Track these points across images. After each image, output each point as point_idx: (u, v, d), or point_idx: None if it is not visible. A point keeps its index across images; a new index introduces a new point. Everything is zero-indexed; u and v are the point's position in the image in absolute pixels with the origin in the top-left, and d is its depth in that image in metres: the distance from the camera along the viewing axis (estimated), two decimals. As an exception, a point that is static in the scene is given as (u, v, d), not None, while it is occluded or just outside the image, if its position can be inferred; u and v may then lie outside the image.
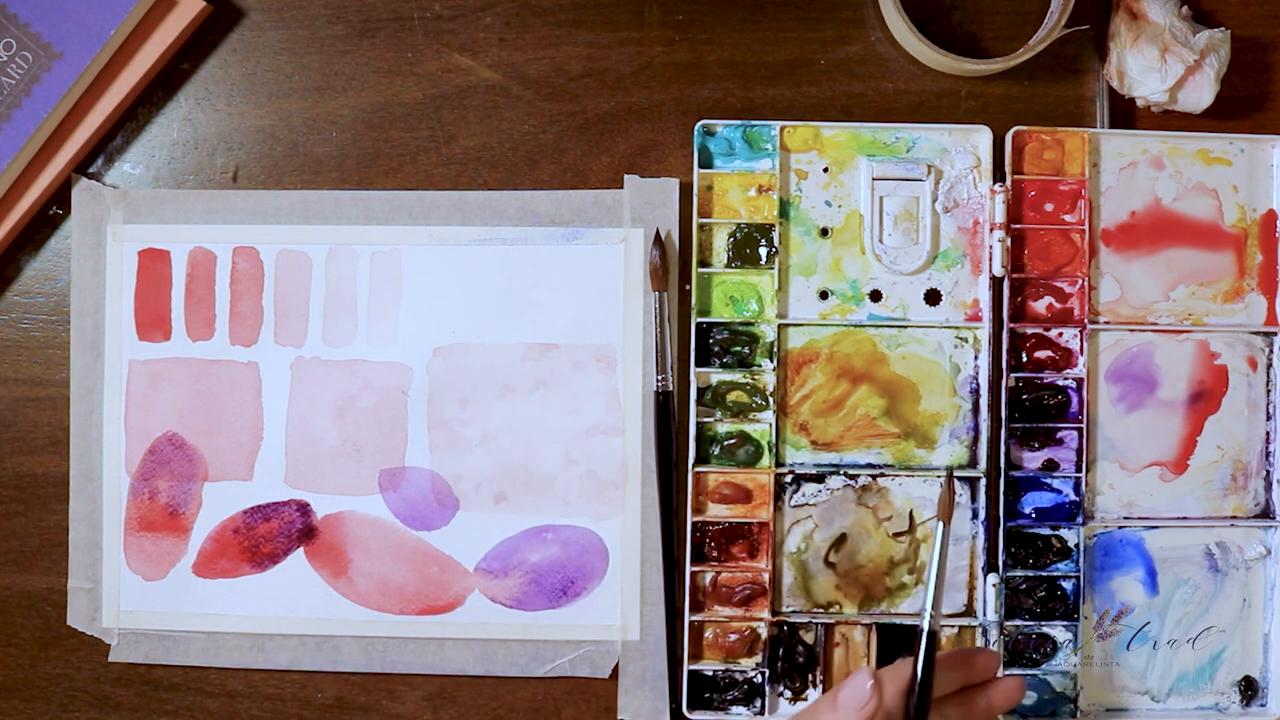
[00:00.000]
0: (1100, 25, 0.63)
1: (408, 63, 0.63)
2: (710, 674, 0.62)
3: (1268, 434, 0.63)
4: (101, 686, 0.63)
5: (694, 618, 0.62)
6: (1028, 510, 0.62)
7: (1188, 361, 0.63)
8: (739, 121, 0.62)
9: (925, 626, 0.53)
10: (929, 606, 0.53)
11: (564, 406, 0.62)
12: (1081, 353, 0.62)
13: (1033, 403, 0.62)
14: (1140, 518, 0.63)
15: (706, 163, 0.62)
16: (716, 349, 0.62)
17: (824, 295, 0.63)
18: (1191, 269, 0.63)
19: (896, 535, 0.62)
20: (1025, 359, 0.62)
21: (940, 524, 0.54)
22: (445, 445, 0.62)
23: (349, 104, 0.63)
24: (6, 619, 0.64)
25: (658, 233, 0.62)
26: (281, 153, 0.63)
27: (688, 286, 0.62)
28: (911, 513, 0.62)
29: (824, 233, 0.63)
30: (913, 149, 0.63)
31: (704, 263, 0.62)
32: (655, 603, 0.62)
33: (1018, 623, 0.62)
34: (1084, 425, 0.62)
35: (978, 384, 0.63)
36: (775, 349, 0.62)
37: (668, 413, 0.61)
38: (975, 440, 0.63)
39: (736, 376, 0.62)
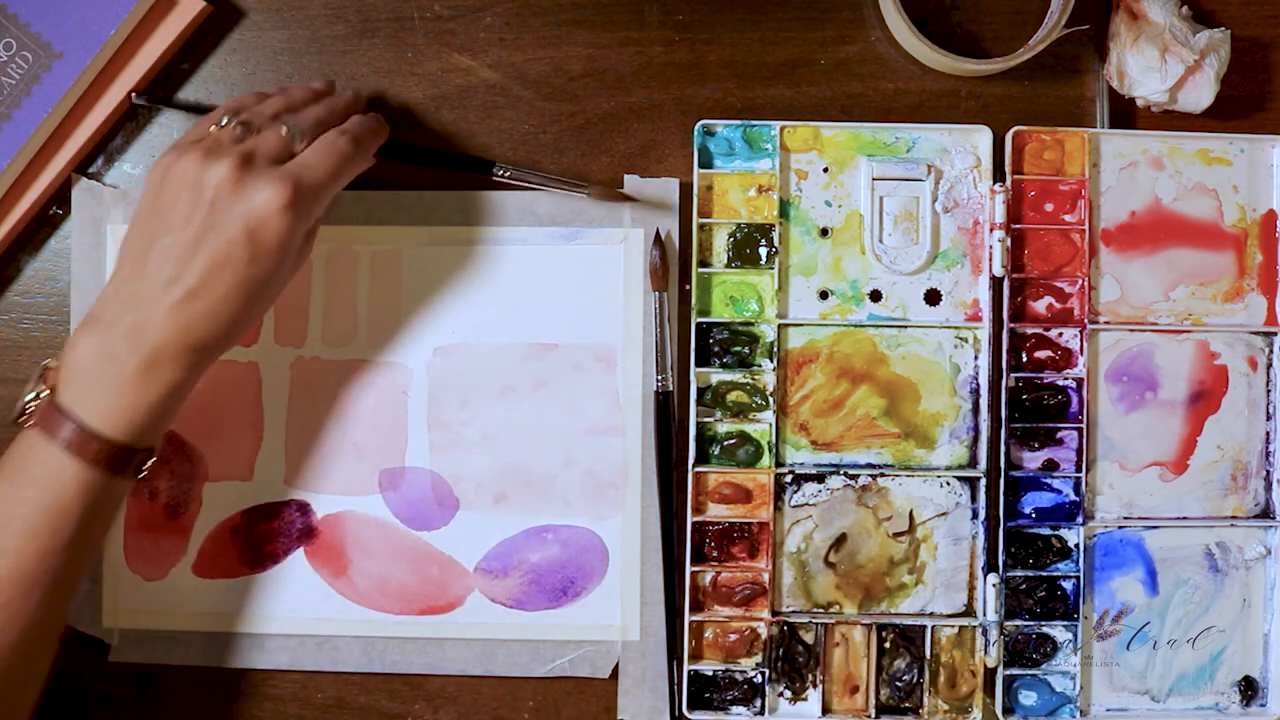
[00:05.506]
0: (1100, 25, 0.63)
1: (408, 63, 0.63)
2: (710, 674, 0.62)
3: (1268, 434, 0.63)
4: (101, 686, 0.63)
5: (694, 618, 0.62)
6: (1028, 510, 0.62)
7: (1188, 361, 0.63)
8: (739, 121, 0.62)
9: None
10: None
11: (564, 406, 0.62)
12: (1081, 353, 0.62)
13: (1033, 403, 0.62)
14: (1140, 518, 0.63)
15: (706, 163, 0.62)
16: (716, 349, 0.62)
17: (824, 295, 0.63)
18: (1191, 269, 0.63)
19: (896, 535, 0.62)
20: (1025, 359, 0.62)
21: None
22: (445, 445, 0.62)
23: (349, 104, 0.63)
24: (6, 619, 0.64)
25: (658, 233, 0.62)
26: (281, 153, 0.63)
27: (688, 286, 0.62)
28: (911, 513, 0.62)
29: (824, 233, 0.63)
30: (913, 149, 0.63)
31: (704, 263, 0.62)
32: (655, 603, 0.62)
33: (1018, 623, 0.62)
34: (1084, 425, 0.62)
35: (978, 384, 0.63)
36: (775, 349, 0.62)
37: (668, 413, 0.61)
38: (975, 440, 0.63)
39: (736, 376, 0.62)
